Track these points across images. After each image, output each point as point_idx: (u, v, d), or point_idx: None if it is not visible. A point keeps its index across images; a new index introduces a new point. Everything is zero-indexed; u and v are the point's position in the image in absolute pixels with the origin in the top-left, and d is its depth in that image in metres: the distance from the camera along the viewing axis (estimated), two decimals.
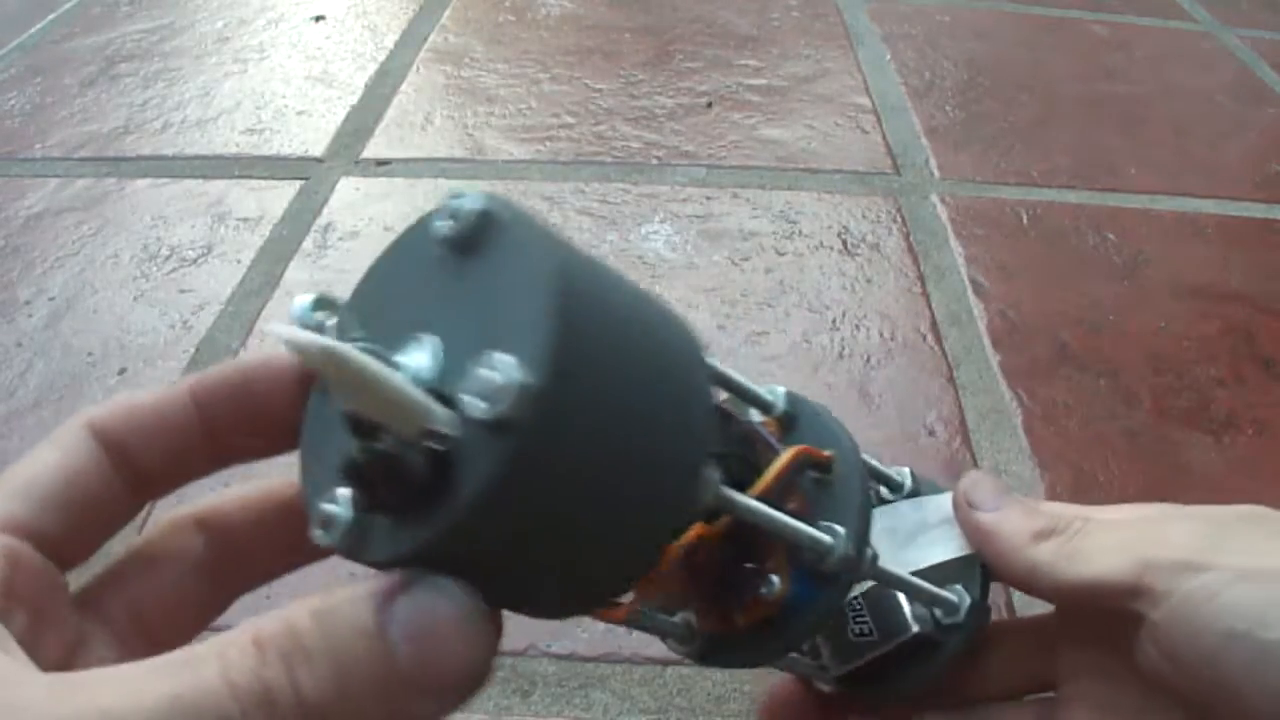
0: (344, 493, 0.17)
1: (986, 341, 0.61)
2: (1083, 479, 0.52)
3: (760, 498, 0.22)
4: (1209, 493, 0.52)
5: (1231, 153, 0.85)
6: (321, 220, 0.69)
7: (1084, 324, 0.63)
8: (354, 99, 0.84)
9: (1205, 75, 0.97)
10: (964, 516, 0.28)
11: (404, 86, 0.86)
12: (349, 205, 0.71)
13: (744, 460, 0.24)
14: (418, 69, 0.89)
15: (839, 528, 0.23)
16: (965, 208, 0.74)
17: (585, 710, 0.40)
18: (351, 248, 0.66)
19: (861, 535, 0.23)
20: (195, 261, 0.65)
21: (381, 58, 0.90)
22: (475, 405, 0.15)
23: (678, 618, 0.24)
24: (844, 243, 0.69)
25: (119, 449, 0.20)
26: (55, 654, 0.18)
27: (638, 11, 1.00)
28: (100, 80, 0.86)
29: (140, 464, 0.20)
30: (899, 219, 0.72)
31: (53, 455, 0.19)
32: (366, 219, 0.69)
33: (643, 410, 0.17)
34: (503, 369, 0.15)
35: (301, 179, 0.73)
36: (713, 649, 0.24)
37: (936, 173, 0.78)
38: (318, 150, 0.77)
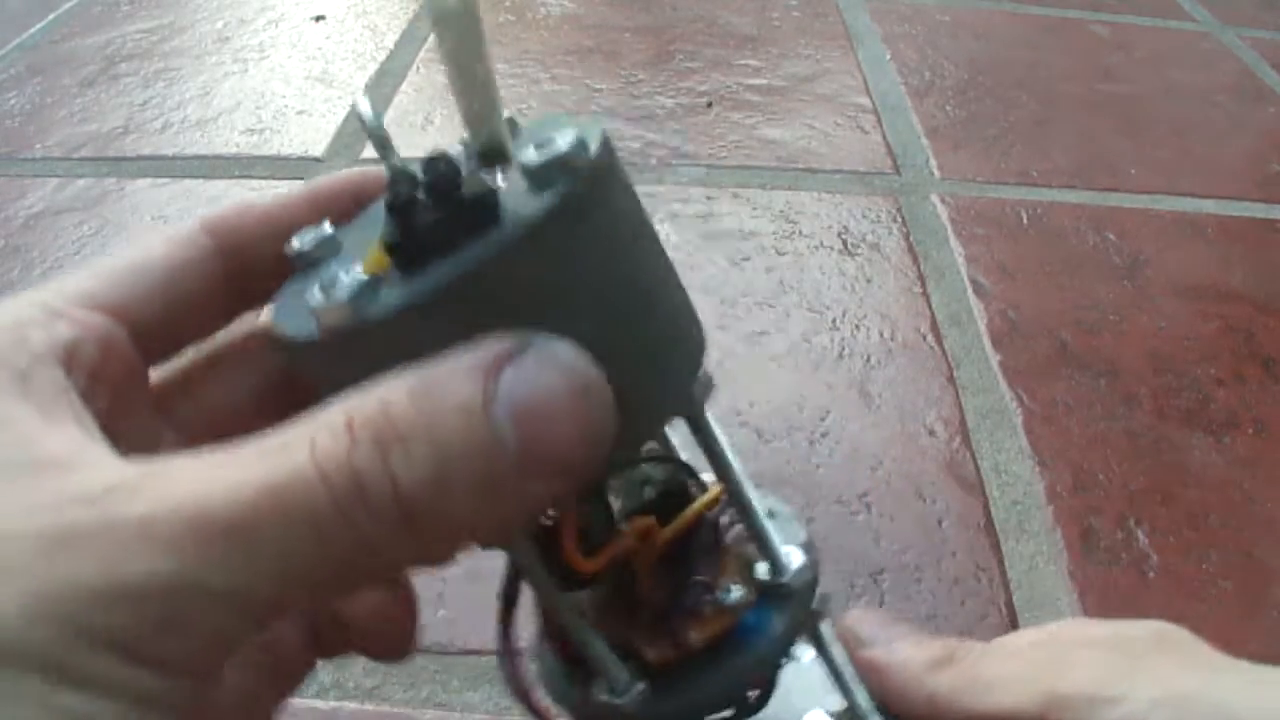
0: (346, 271, 0.15)
1: (986, 341, 0.61)
2: (1083, 479, 0.52)
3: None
4: (1209, 492, 0.52)
5: (1231, 153, 0.85)
6: None
7: (1084, 324, 0.63)
8: (354, 99, 0.83)
9: (1205, 75, 0.97)
10: (853, 654, 0.25)
11: (404, 86, 0.86)
12: None
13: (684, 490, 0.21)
14: (418, 69, 0.89)
15: (795, 548, 0.21)
16: (965, 208, 0.74)
17: None
18: None
19: (816, 563, 0.21)
20: None
21: (381, 58, 0.90)
22: (538, 151, 0.15)
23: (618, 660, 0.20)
24: (844, 243, 0.69)
25: (233, 249, 0.19)
26: (128, 448, 0.17)
27: (638, 11, 1.00)
28: (100, 80, 0.86)
29: (252, 265, 0.19)
30: (899, 219, 0.72)
31: (162, 246, 0.19)
32: None
33: (660, 261, 0.17)
34: (564, 134, 0.15)
35: (301, 179, 0.73)
36: (662, 689, 0.20)
37: (936, 173, 0.78)
38: (318, 150, 0.77)
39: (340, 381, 0.15)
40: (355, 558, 0.14)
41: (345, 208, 0.20)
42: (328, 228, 0.18)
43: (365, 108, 0.17)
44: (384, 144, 0.17)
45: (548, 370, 0.14)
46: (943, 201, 0.74)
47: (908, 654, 0.25)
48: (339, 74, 0.87)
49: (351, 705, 0.40)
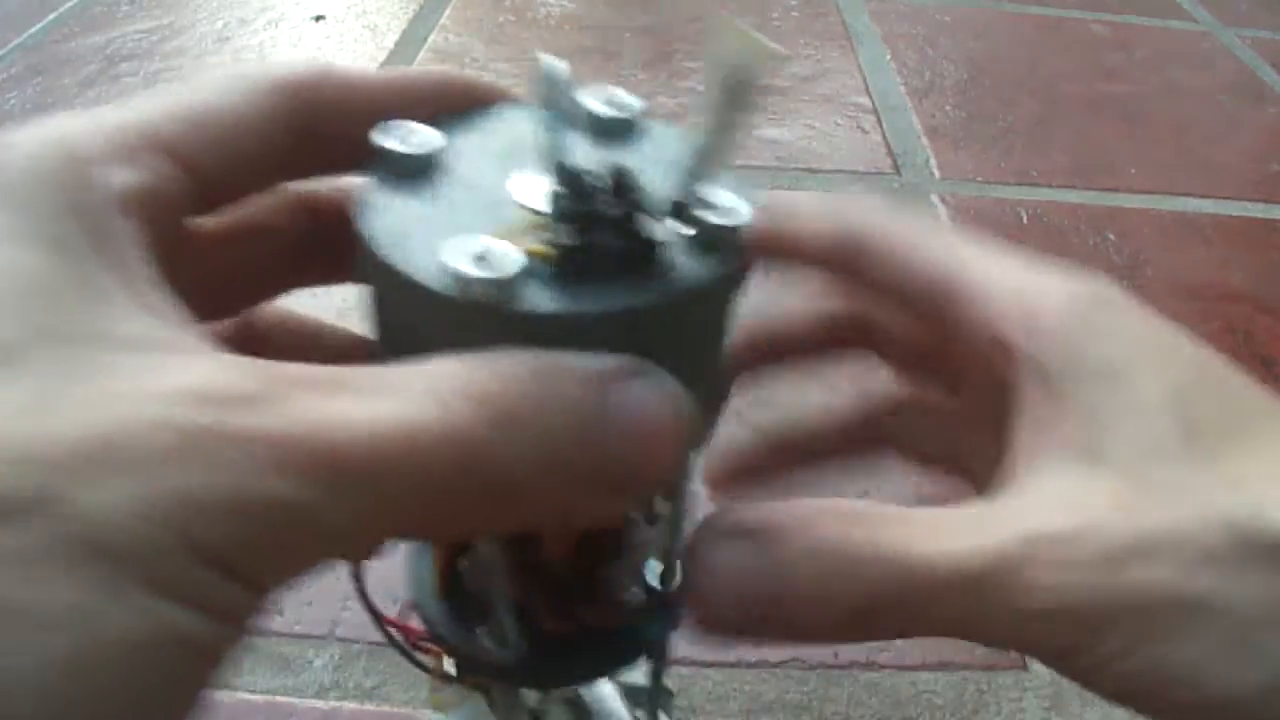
0: (499, 243, 0.15)
1: None
2: None
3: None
4: None
5: (1231, 153, 0.85)
6: None
7: None
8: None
9: (1205, 75, 0.97)
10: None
11: None
12: None
13: None
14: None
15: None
16: (965, 207, 0.74)
17: None
18: None
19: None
20: None
21: (381, 58, 0.90)
22: (713, 214, 0.16)
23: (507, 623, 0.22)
24: None
25: (304, 116, 0.18)
26: None
27: (638, 11, 1.00)
28: (100, 80, 0.86)
29: (317, 137, 0.18)
30: None
31: (234, 96, 0.17)
32: None
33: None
34: (739, 205, 0.17)
35: None
36: (540, 655, 0.22)
37: (936, 173, 0.78)
38: None
39: (443, 337, 0.15)
40: (450, 517, 0.15)
41: (430, 108, 0.19)
42: (435, 137, 0.18)
43: (557, 65, 0.17)
44: (565, 119, 0.17)
45: (657, 398, 0.15)
46: (943, 201, 0.74)
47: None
48: None
49: (351, 705, 0.40)
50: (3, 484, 0.12)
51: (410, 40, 0.93)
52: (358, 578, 0.23)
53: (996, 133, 0.84)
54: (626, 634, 0.22)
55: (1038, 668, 0.43)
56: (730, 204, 0.17)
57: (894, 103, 0.87)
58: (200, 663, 0.13)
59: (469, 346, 0.15)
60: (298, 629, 0.43)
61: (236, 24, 0.96)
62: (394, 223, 0.16)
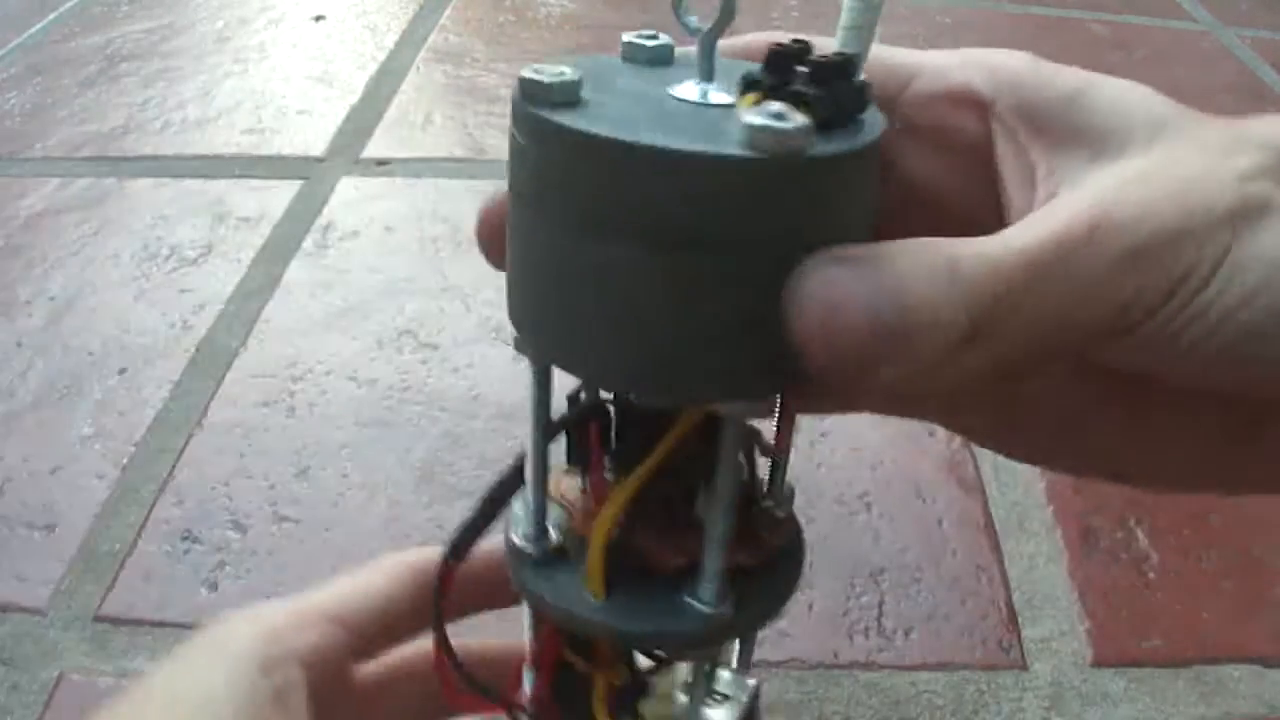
0: (775, 106, 0.16)
1: None
2: (1084, 479, 0.52)
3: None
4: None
5: None
6: (321, 220, 0.69)
7: None
8: (354, 99, 0.84)
9: (1205, 75, 0.97)
10: None
11: (404, 86, 0.86)
12: (349, 205, 0.71)
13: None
14: (418, 69, 0.89)
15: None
16: None
17: None
18: (351, 248, 0.66)
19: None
20: (195, 261, 0.65)
21: (381, 58, 0.90)
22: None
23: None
24: None
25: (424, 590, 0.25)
26: None
27: (637, 11, 1.00)
28: (100, 80, 0.86)
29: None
30: None
31: (383, 577, 0.25)
32: (366, 219, 0.69)
33: None
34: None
35: (301, 179, 0.73)
36: (742, 597, 0.21)
37: None
38: (318, 150, 0.77)
39: (734, 210, 0.16)
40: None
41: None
42: (569, 68, 0.18)
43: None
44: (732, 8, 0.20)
45: None
46: None
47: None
48: (339, 74, 0.87)
49: None
50: None
51: (410, 40, 0.93)
52: (452, 657, 0.24)
53: None
54: (771, 569, 0.23)
55: (1038, 667, 0.43)
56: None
57: None
58: None
59: (760, 211, 0.16)
60: None
61: (236, 24, 0.96)
62: (614, 128, 0.16)
